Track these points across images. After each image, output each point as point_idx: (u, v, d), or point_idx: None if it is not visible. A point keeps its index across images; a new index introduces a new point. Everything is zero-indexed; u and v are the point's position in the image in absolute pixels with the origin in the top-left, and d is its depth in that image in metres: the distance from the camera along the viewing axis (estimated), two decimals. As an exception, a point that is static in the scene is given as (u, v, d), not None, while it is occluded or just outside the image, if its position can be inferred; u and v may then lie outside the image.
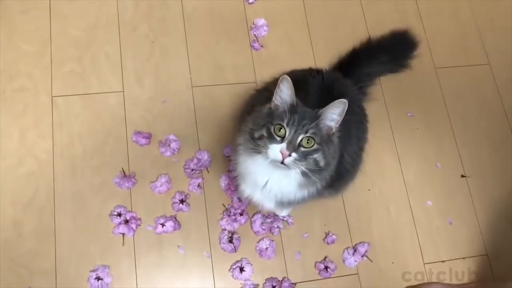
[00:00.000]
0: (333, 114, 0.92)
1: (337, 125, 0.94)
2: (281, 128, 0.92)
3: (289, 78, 0.91)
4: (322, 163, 0.94)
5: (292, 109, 0.93)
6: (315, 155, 0.93)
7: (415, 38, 1.33)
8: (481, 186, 1.45)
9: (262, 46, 1.51)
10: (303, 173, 0.94)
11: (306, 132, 0.91)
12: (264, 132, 0.93)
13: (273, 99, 0.95)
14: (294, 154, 0.91)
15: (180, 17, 1.51)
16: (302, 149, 0.92)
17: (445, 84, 1.55)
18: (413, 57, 1.33)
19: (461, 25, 1.65)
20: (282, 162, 0.91)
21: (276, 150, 0.91)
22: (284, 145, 0.91)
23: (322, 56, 1.51)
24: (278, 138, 0.92)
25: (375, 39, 1.33)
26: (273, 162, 0.92)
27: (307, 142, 0.92)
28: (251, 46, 1.51)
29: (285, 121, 0.91)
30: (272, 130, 0.92)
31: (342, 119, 0.93)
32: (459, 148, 1.49)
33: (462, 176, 1.46)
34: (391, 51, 1.30)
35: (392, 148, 1.46)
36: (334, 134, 0.96)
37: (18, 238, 1.24)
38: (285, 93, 0.93)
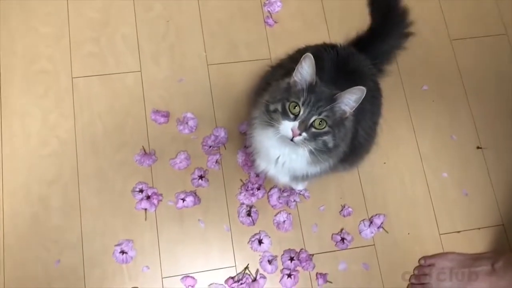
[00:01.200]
0: (350, 100, 0.92)
1: (352, 111, 0.94)
2: (296, 106, 0.92)
3: (312, 57, 0.90)
4: (330, 145, 0.95)
5: (310, 88, 0.92)
6: (325, 137, 0.93)
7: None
8: (497, 157, 1.46)
9: (276, 22, 1.52)
10: (311, 152, 0.95)
11: (319, 114, 0.91)
12: (279, 107, 0.94)
13: (293, 74, 0.94)
14: (304, 134, 0.92)
15: (194, -5, 1.52)
16: (313, 129, 0.92)
17: (460, 56, 1.54)
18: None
19: (477, -6, 1.63)
20: (292, 140, 0.92)
21: (287, 127, 0.92)
22: (296, 123, 0.91)
23: (337, 31, 1.51)
24: (292, 116, 0.92)
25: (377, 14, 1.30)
26: (283, 137, 0.94)
27: (319, 124, 0.92)
28: (265, 22, 1.52)
29: (301, 100, 0.91)
30: (287, 106, 0.92)
31: (357, 105, 0.93)
32: (475, 119, 1.48)
33: (478, 147, 1.46)
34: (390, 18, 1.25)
35: (407, 121, 1.46)
36: (347, 118, 0.96)
37: (45, 214, 1.30)
38: (305, 71, 0.92)
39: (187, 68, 1.45)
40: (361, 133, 1.10)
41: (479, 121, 1.48)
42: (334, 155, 1.00)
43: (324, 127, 0.92)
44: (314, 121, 0.92)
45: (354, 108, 0.94)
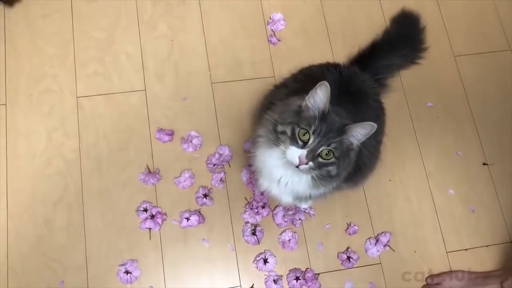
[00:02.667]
0: (359, 134, 0.91)
1: (358, 144, 0.94)
2: (305, 133, 0.91)
3: (327, 85, 0.88)
4: (333, 173, 0.95)
5: (322, 116, 0.91)
6: (330, 167, 0.93)
7: (416, 14, 1.29)
8: (504, 173, 1.45)
9: (279, 40, 1.52)
10: (312, 178, 0.95)
11: (329, 145, 0.91)
12: (288, 130, 0.92)
13: (306, 99, 0.93)
14: (310, 163, 0.92)
15: (198, 14, 1.53)
16: (320, 159, 0.92)
17: (464, 72, 1.54)
18: (424, 39, 1.29)
19: (479, 10, 1.63)
20: (297, 167, 0.92)
21: (295, 154, 0.91)
22: (304, 152, 0.91)
23: (340, 48, 1.52)
24: (301, 143, 0.91)
25: (392, 30, 1.32)
26: (288, 162, 0.94)
27: (326, 154, 0.92)
28: (269, 40, 1.52)
29: (312, 128, 0.90)
30: (296, 132, 0.91)
31: (365, 139, 0.92)
32: (480, 136, 1.48)
33: (484, 164, 1.45)
34: (405, 39, 1.28)
35: (412, 138, 1.46)
36: (353, 150, 0.96)
37: (49, 234, 1.29)
38: (319, 98, 0.91)
39: (191, 87, 1.46)
40: (365, 153, 1.10)
41: (484, 137, 1.48)
42: (336, 181, 1.00)
43: (331, 158, 0.92)
44: (322, 151, 0.91)
45: (361, 142, 0.93)
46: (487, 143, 1.47)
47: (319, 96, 0.91)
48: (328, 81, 1.06)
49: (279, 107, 1.00)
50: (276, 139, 0.94)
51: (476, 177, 1.44)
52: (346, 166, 0.97)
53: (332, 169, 0.94)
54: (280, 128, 0.94)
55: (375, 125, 0.89)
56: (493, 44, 1.59)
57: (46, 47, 1.46)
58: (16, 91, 1.41)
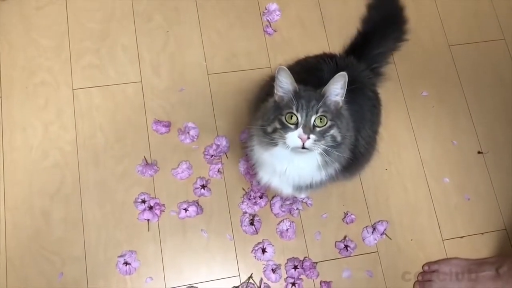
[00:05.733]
0: (336, 89, 0.94)
1: (343, 98, 0.96)
2: (292, 116, 0.93)
3: (285, 68, 0.93)
4: (339, 138, 0.96)
5: (297, 95, 0.94)
6: (332, 131, 0.94)
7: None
8: (498, 161, 1.46)
9: (275, 31, 1.52)
10: (322, 154, 0.96)
11: (317, 112, 0.93)
12: (276, 124, 0.95)
13: (275, 91, 0.97)
14: (312, 136, 0.92)
15: (193, 5, 1.52)
16: (318, 129, 0.93)
17: (459, 61, 1.55)
18: (406, 15, 1.32)
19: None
20: (303, 147, 0.93)
21: (294, 137, 0.93)
22: (300, 130, 0.92)
23: (336, 38, 1.51)
24: (292, 126, 0.93)
25: (374, 16, 1.34)
26: (294, 149, 0.94)
27: (320, 121, 0.93)
28: (264, 31, 1.52)
29: (294, 107, 0.93)
30: (284, 120, 0.94)
31: (345, 91, 0.95)
32: (475, 124, 1.49)
33: (479, 152, 1.47)
34: (391, 22, 1.31)
35: (408, 127, 1.47)
36: (342, 107, 0.98)
37: (47, 226, 1.29)
38: (285, 83, 0.95)
39: (187, 78, 1.45)
40: (362, 143, 1.11)
41: (479, 126, 1.49)
42: (344, 150, 0.99)
43: (327, 122, 0.94)
44: (315, 120, 0.93)
45: (343, 95, 0.96)
46: (482, 132, 1.48)
47: (284, 81, 0.95)
48: (324, 72, 1.09)
49: (259, 114, 1.03)
50: (271, 139, 0.96)
51: (471, 166, 1.46)
52: (346, 126, 0.98)
53: (335, 133, 0.95)
54: (269, 128, 0.96)
55: (345, 74, 0.92)
56: (488, 34, 1.60)
57: (41, 39, 1.45)
58: (11, 84, 1.40)
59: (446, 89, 1.52)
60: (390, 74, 1.39)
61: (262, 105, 1.03)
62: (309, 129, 0.93)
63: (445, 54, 1.56)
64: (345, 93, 0.95)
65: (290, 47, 1.50)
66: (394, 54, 1.41)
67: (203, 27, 1.51)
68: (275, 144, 0.96)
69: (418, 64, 1.52)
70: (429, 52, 1.54)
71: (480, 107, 1.51)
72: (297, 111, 0.93)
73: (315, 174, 1.02)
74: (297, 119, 0.93)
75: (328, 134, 0.94)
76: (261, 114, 1.01)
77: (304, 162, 1.00)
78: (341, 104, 0.97)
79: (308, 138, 0.92)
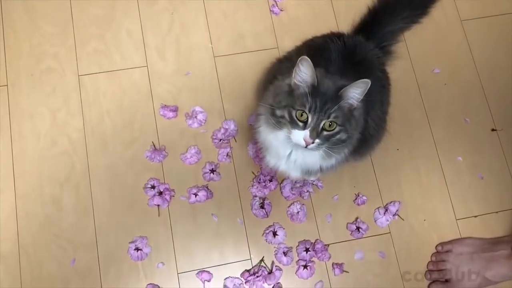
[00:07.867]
0: (355, 94, 0.90)
1: (359, 102, 0.92)
2: (302, 113, 0.90)
3: (308, 59, 0.88)
4: (344, 138, 0.94)
5: (314, 91, 0.90)
6: (338, 136, 0.92)
7: None
8: (513, 138, 1.43)
9: (281, 10, 1.49)
10: (327, 148, 0.94)
11: (328, 117, 0.90)
12: (285, 115, 0.92)
13: (293, 77, 0.92)
14: (317, 140, 0.91)
15: (198, -14, 1.50)
16: (325, 133, 0.91)
17: (471, 37, 1.51)
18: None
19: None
20: (305, 147, 0.91)
21: (299, 136, 0.91)
22: (307, 132, 0.90)
23: (344, 17, 1.48)
24: (301, 124, 0.91)
25: None
26: (296, 144, 0.93)
27: (330, 126, 0.91)
28: (271, 11, 1.49)
29: (307, 106, 0.89)
30: (294, 115, 0.91)
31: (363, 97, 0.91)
32: (488, 101, 1.45)
33: (493, 130, 1.44)
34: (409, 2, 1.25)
35: (419, 105, 1.44)
36: (355, 109, 0.94)
37: (58, 213, 1.29)
38: (304, 74, 0.90)
39: (193, 61, 1.43)
40: (371, 124, 1.09)
41: (492, 103, 1.45)
42: (349, 145, 0.98)
43: (335, 128, 0.91)
44: (324, 124, 0.90)
45: (359, 100, 0.92)
46: (495, 109, 1.45)
47: (304, 72, 0.90)
48: (332, 51, 1.06)
49: (271, 90, 0.99)
50: (277, 123, 0.94)
51: (485, 144, 1.43)
52: (355, 126, 0.95)
53: (341, 135, 0.93)
54: (278, 112, 0.93)
55: (368, 81, 0.88)
56: (500, 7, 1.55)
57: (45, 26, 1.44)
58: (17, 71, 1.39)
59: (459, 66, 1.49)
60: (401, 52, 1.35)
61: (275, 82, 1.00)
62: (316, 133, 0.90)
63: (457, 29, 1.52)
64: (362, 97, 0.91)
65: (298, 26, 1.47)
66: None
67: (208, 8, 1.48)
68: (280, 129, 0.94)
69: (429, 40, 1.48)
70: (440, 28, 1.51)
71: (493, 83, 1.47)
72: (309, 111, 0.90)
73: (321, 161, 1.01)
74: (307, 119, 0.90)
75: (334, 138, 0.92)
76: (272, 94, 0.97)
77: (308, 152, 0.98)
78: (355, 106, 0.93)
79: (313, 142, 0.91)
